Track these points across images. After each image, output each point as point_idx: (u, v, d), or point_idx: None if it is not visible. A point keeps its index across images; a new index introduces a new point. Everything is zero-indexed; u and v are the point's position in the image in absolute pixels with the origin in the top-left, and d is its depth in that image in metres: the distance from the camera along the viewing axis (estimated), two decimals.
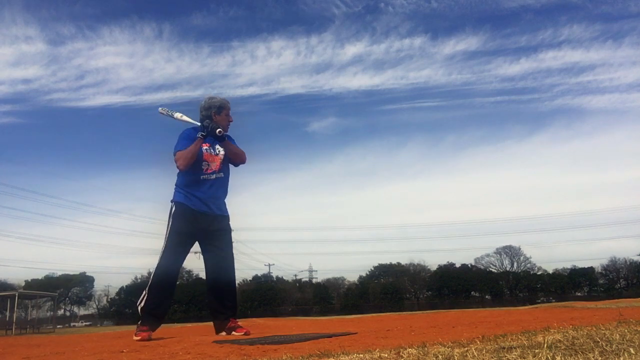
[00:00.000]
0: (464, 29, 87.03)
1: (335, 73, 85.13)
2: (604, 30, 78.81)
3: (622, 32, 79.37)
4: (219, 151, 3.81)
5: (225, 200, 3.91)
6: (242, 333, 3.58)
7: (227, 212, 3.89)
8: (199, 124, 3.76)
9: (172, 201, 3.76)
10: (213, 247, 3.78)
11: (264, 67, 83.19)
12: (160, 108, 3.96)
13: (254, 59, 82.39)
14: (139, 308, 3.60)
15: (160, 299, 3.62)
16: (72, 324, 51.52)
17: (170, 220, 3.69)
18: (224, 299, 3.81)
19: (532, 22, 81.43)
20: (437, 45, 80.00)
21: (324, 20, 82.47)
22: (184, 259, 3.74)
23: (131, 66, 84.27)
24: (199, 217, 3.69)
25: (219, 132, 3.63)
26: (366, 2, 76.62)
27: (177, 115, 3.90)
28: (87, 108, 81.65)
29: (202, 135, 3.65)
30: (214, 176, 3.76)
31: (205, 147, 3.73)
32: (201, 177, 3.71)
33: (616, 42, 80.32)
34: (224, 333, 3.70)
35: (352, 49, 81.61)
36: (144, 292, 3.65)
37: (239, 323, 3.78)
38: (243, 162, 3.92)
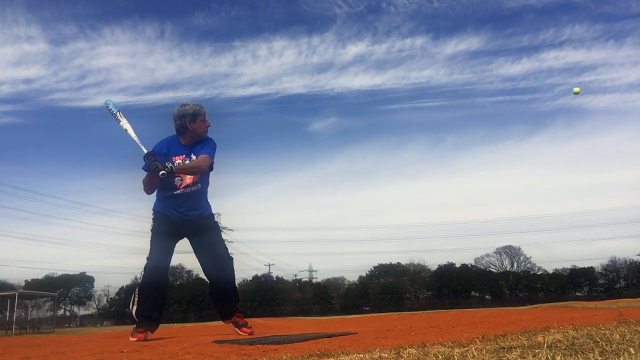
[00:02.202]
0: (465, 29, 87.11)
1: (336, 73, 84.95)
2: (606, 30, 78.68)
3: (624, 32, 79.18)
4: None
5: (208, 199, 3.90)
6: (247, 334, 3.63)
7: (209, 211, 3.87)
8: (140, 144, 3.59)
9: (153, 210, 3.76)
10: (204, 246, 3.80)
11: (266, 67, 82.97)
12: (108, 103, 3.75)
13: (256, 58, 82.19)
14: (132, 312, 3.59)
15: (151, 301, 3.61)
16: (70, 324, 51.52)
17: (152, 223, 3.72)
18: (225, 297, 3.87)
19: (534, 22, 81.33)
20: (438, 45, 79.90)
21: (325, 20, 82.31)
22: (171, 257, 3.75)
23: (133, 66, 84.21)
24: (181, 223, 3.70)
25: (162, 174, 3.36)
26: (368, 2, 76.47)
27: (123, 123, 3.69)
28: (89, 108, 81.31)
29: (150, 172, 3.44)
30: (189, 190, 3.68)
31: (178, 160, 3.63)
32: (175, 192, 3.65)
33: (618, 42, 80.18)
34: (230, 324, 3.80)
35: (354, 49, 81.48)
36: (134, 296, 3.65)
37: (246, 321, 3.83)
38: (205, 171, 3.72)
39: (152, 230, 3.70)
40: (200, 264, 3.87)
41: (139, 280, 3.70)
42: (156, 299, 3.65)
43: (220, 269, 3.81)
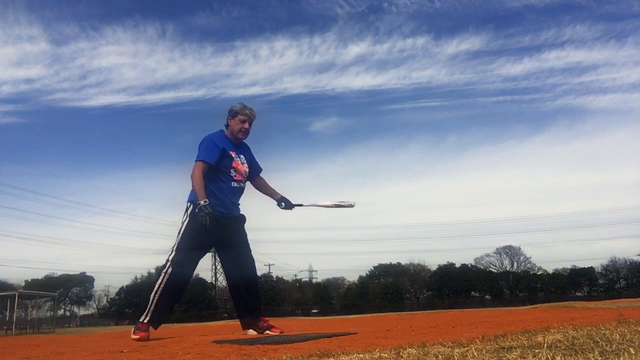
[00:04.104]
0: (467, 29, 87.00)
1: (337, 73, 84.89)
2: (607, 30, 78.61)
3: (625, 31, 79.23)
4: (244, 161, 3.82)
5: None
6: (277, 333, 3.54)
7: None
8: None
9: (194, 203, 3.59)
10: (238, 249, 3.76)
11: (267, 67, 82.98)
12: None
13: (257, 58, 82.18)
14: (151, 308, 3.44)
15: (171, 300, 3.58)
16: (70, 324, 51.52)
17: (189, 217, 3.57)
18: (254, 303, 3.76)
19: (536, 21, 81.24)
20: (440, 45, 79.94)
21: (327, 20, 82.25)
22: (199, 259, 3.76)
23: (134, 66, 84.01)
24: (225, 221, 3.63)
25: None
26: (369, 2, 76.51)
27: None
28: (90, 108, 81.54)
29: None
30: (241, 185, 3.80)
31: (232, 154, 3.72)
32: (232, 185, 3.71)
33: (619, 42, 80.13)
34: (252, 331, 3.65)
35: (355, 49, 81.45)
36: (156, 292, 3.48)
37: (270, 322, 3.75)
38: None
39: (187, 225, 3.54)
40: (228, 268, 3.80)
41: (160, 274, 3.52)
42: (175, 298, 3.63)
43: (251, 271, 3.78)
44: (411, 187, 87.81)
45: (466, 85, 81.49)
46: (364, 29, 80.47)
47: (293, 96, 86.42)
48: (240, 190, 3.81)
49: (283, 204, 3.97)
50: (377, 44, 78.72)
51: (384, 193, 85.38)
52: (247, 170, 3.83)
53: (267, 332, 3.59)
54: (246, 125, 3.77)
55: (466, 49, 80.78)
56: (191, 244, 3.55)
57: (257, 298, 3.81)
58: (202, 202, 3.41)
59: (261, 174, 4.05)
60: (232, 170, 3.68)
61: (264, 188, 4.03)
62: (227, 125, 3.83)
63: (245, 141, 3.92)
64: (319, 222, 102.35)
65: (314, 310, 52.11)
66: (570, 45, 78.02)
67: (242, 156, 3.80)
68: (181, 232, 3.57)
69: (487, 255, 59.51)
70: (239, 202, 3.83)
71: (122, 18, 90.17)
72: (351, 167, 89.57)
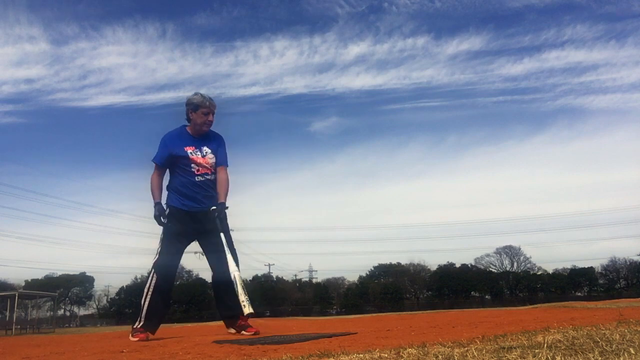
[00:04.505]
0: (467, 29, 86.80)
1: (338, 73, 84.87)
2: (607, 30, 78.50)
3: (626, 32, 79.17)
4: (206, 153, 3.74)
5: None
6: (252, 333, 3.52)
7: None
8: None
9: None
10: (213, 245, 3.71)
11: (267, 67, 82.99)
12: None
13: (257, 58, 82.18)
14: (143, 311, 3.52)
15: (161, 301, 3.59)
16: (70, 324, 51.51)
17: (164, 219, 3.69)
18: (235, 302, 3.72)
19: (536, 22, 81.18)
20: (440, 45, 79.88)
21: (327, 20, 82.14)
22: (180, 258, 3.76)
23: (134, 66, 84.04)
24: (196, 215, 3.68)
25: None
26: (370, 2, 76.50)
27: None
28: (90, 108, 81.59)
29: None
30: (207, 177, 3.73)
31: (189, 150, 3.67)
32: (195, 179, 3.68)
33: (619, 42, 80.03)
34: (233, 330, 3.67)
35: (355, 49, 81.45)
36: (145, 294, 3.57)
37: (249, 322, 3.71)
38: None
39: (165, 226, 3.62)
40: (209, 262, 3.80)
41: (147, 279, 3.62)
42: (164, 299, 3.64)
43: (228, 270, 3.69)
44: (411, 187, 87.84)
45: (466, 85, 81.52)
46: (364, 29, 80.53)
47: (293, 96, 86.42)
48: (210, 183, 3.73)
49: (214, 208, 3.64)
50: (377, 44, 78.75)
51: (384, 193, 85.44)
52: (211, 161, 3.74)
53: (243, 332, 3.58)
54: (210, 118, 3.73)
55: (466, 49, 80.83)
56: (173, 243, 3.63)
57: (233, 295, 3.71)
58: (154, 205, 3.64)
59: (230, 171, 3.90)
60: (192, 166, 3.67)
61: (217, 184, 3.79)
62: (187, 118, 3.76)
63: (221, 135, 3.88)
64: (319, 222, 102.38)
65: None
66: (570, 45, 78.01)
67: (205, 148, 3.73)
68: (162, 234, 3.65)
69: (487, 255, 59.59)
70: (207, 194, 3.75)
71: (122, 18, 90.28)
72: (351, 167, 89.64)
